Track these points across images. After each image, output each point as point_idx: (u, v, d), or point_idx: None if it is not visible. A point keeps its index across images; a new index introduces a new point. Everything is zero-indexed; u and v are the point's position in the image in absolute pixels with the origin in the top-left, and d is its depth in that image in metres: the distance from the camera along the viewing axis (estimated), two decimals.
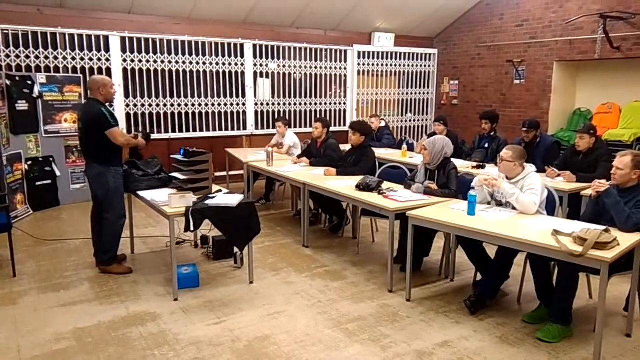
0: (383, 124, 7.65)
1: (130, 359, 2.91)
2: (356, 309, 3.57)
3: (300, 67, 8.47)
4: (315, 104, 8.75)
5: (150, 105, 7.30)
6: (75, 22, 6.62)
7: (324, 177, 4.90)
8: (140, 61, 7.12)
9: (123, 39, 6.97)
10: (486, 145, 6.07)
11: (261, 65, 8.08)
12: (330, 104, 8.94)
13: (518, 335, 3.22)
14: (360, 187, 4.26)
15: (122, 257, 4.41)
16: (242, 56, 7.88)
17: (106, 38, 6.86)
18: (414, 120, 9.86)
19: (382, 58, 9.21)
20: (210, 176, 4.02)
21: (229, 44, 7.74)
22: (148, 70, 7.21)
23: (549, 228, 3.07)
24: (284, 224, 5.74)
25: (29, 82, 6.06)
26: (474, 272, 4.00)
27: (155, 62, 7.22)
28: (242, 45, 7.85)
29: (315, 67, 8.62)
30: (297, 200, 6.04)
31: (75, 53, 6.67)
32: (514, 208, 3.57)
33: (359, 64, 8.98)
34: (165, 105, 7.40)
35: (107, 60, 6.90)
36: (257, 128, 8.22)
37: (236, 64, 7.85)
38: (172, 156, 4.20)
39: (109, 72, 6.82)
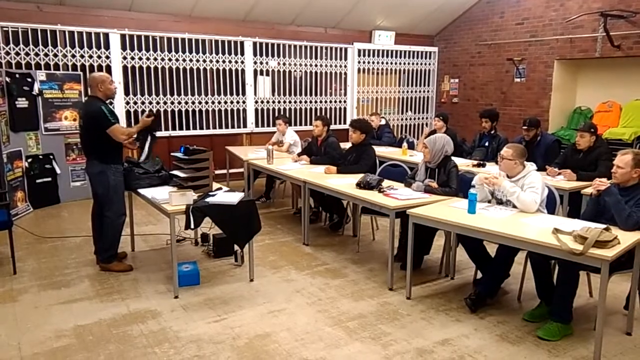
0: (383, 122, 7.65)
1: (131, 356, 2.91)
2: (356, 306, 3.58)
3: (301, 64, 8.46)
4: (316, 102, 8.75)
5: (150, 103, 7.29)
6: (75, 19, 6.61)
7: (325, 175, 4.90)
8: (140, 59, 7.11)
9: (123, 37, 6.95)
10: (486, 144, 6.07)
11: (261, 63, 8.07)
12: (331, 102, 8.93)
13: (518, 333, 3.22)
14: (360, 185, 4.26)
15: (122, 254, 4.41)
16: (243, 54, 7.87)
17: (106, 35, 6.85)
18: (415, 119, 9.85)
19: (383, 56, 9.20)
20: (210, 174, 4.01)
21: (229, 42, 7.73)
22: (148, 67, 7.20)
23: (550, 226, 3.07)
24: (284, 221, 5.74)
25: (29, 80, 6.06)
26: (474, 270, 4.00)
27: (155, 59, 7.21)
28: (242, 43, 7.84)
29: (316, 65, 8.61)
30: (297, 198, 6.04)
31: (75, 50, 6.66)
32: (514, 206, 3.58)
33: (359, 62, 8.97)
34: (165, 103, 7.39)
35: (107, 57, 6.89)
36: (257, 126, 8.22)
37: (236, 62, 7.84)
38: (172, 154, 4.20)
39: (109, 70, 6.81)
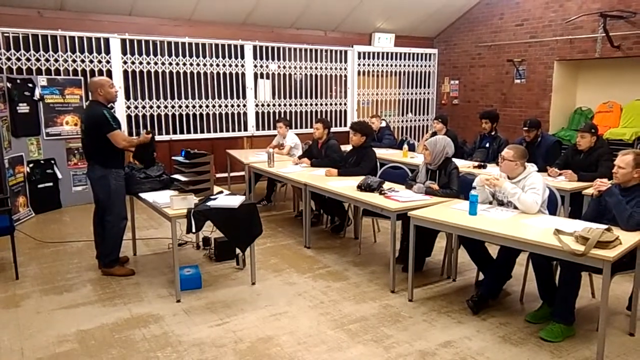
0: (384, 124, 7.66)
1: None
2: (358, 309, 3.58)
3: (301, 67, 8.47)
4: (316, 104, 8.76)
5: (151, 107, 7.30)
6: (75, 25, 6.63)
7: (325, 178, 4.90)
8: (140, 63, 7.13)
9: (123, 41, 6.97)
10: (487, 145, 6.07)
11: (261, 66, 8.08)
12: (331, 104, 8.94)
13: (521, 334, 3.22)
14: (361, 188, 4.26)
15: (124, 259, 4.41)
16: (243, 57, 7.88)
17: (106, 40, 6.87)
18: (415, 121, 9.86)
19: (383, 58, 9.21)
20: (211, 177, 4.02)
21: (229, 45, 7.75)
22: (149, 72, 7.22)
23: (551, 227, 3.07)
24: (285, 224, 5.74)
25: (30, 85, 6.07)
26: (476, 272, 3.99)
27: (155, 64, 7.23)
28: (242, 47, 7.85)
29: (316, 68, 8.62)
30: (298, 201, 6.05)
31: (75, 55, 6.68)
32: (515, 208, 3.57)
33: (359, 65, 8.98)
34: (166, 107, 7.41)
35: (108, 62, 6.91)
36: (257, 129, 8.23)
37: (236, 65, 7.85)
38: (173, 158, 4.20)
39: (109, 74, 6.82)
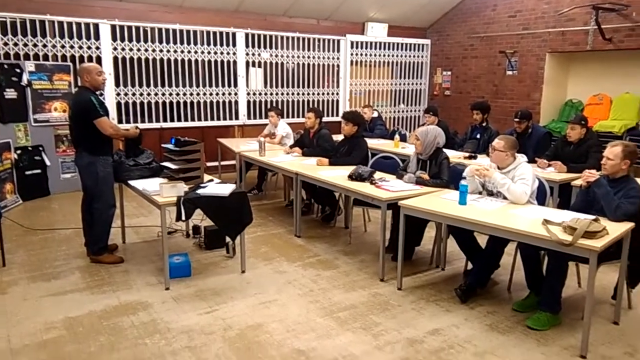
0: (376, 114, 7.65)
1: (122, 347, 2.91)
2: (348, 297, 3.59)
3: (293, 56, 8.42)
4: (308, 94, 8.72)
5: (141, 94, 7.23)
6: (64, 10, 6.52)
7: (317, 167, 4.89)
8: (131, 50, 7.04)
9: (114, 27, 6.88)
10: (478, 136, 6.09)
11: (253, 54, 8.02)
12: (323, 94, 8.91)
13: (508, 323, 3.25)
14: (352, 177, 4.26)
15: (113, 246, 4.39)
16: (234, 45, 7.81)
17: (96, 26, 6.77)
18: (407, 111, 9.86)
19: (375, 48, 9.18)
20: (201, 165, 4.00)
21: (221, 33, 7.68)
22: (139, 59, 7.13)
23: (540, 217, 3.09)
24: (276, 214, 5.74)
25: (18, 70, 5.98)
26: (464, 262, 4.02)
27: (146, 50, 7.15)
28: (234, 34, 7.78)
29: (308, 57, 8.57)
30: (289, 190, 6.04)
31: (64, 41, 6.58)
32: (505, 198, 3.60)
33: (352, 54, 8.94)
34: (156, 94, 7.34)
35: (98, 48, 6.81)
36: (249, 118, 8.18)
37: (228, 53, 7.78)
38: (163, 145, 4.17)
39: (99, 61, 6.74)
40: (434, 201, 3.63)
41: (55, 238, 4.76)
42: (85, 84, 3.96)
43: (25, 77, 6.01)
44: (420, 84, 9.85)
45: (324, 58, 8.74)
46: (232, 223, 3.79)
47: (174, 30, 7.30)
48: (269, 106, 7.90)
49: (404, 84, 9.70)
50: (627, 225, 3.02)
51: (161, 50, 7.25)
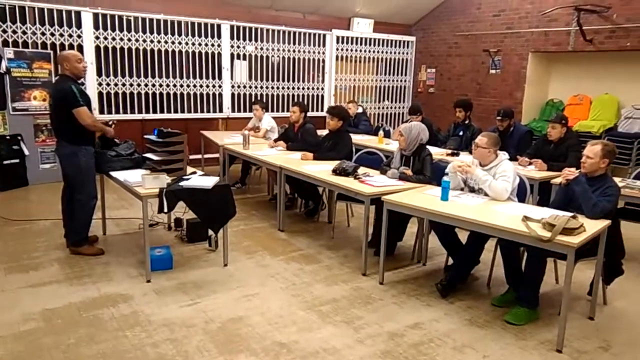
0: (360, 110, 7.67)
1: (102, 339, 2.88)
2: (330, 291, 3.61)
3: (278, 50, 8.38)
4: (293, 88, 8.69)
5: (123, 84, 7.12)
6: None
7: (301, 162, 4.89)
8: (113, 39, 6.93)
9: (96, 15, 6.76)
10: (460, 133, 6.14)
11: (238, 47, 7.96)
12: (308, 88, 8.89)
13: (487, 317, 3.30)
14: (336, 172, 4.27)
15: (93, 238, 4.33)
16: (219, 37, 7.74)
17: (78, 14, 6.64)
18: (391, 108, 9.90)
19: (361, 44, 9.19)
20: (184, 157, 3.96)
21: (206, 24, 7.60)
22: (122, 48, 7.02)
23: (520, 214, 3.14)
24: (259, 207, 5.72)
25: None
26: (445, 257, 4.07)
27: (129, 40, 7.04)
28: (219, 26, 7.71)
29: (294, 51, 8.54)
30: (273, 184, 6.02)
31: (45, 28, 6.44)
32: (486, 194, 3.64)
33: (337, 49, 8.94)
34: (139, 85, 7.24)
35: (79, 37, 6.69)
36: (233, 111, 8.12)
37: (212, 45, 7.71)
38: (145, 136, 4.12)
39: (80, 49, 6.60)
40: (416, 197, 3.66)
41: (33, 229, 4.68)
42: (66, 72, 3.89)
43: (3, 65, 5.87)
44: (405, 81, 9.90)
45: (309, 52, 8.72)
46: (215, 216, 3.77)
47: (158, 20, 7.20)
48: (253, 99, 7.86)
49: (389, 80, 9.73)
50: (604, 223, 3.09)
51: (144, 40, 7.15)
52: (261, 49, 8.20)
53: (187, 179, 3.77)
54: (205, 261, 4.09)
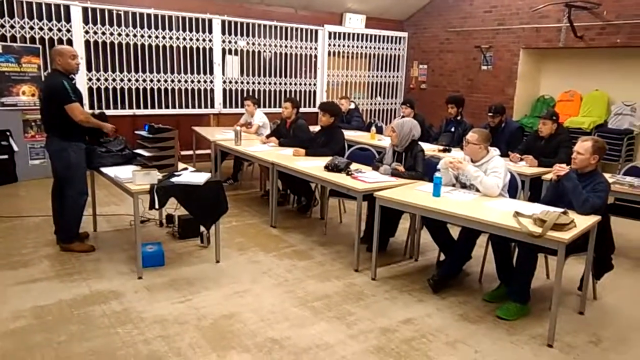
0: (352, 106, 7.66)
1: (93, 336, 2.86)
2: (322, 287, 3.61)
3: (270, 45, 8.34)
4: (285, 83, 8.67)
5: (114, 79, 7.06)
6: None
7: (293, 158, 4.88)
8: (103, 33, 6.86)
9: (85, 10, 6.68)
10: (452, 129, 6.17)
11: (230, 42, 7.91)
12: (301, 84, 8.87)
13: (478, 313, 3.32)
14: (329, 168, 4.27)
15: (84, 234, 4.30)
16: (211, 32, 7.69)
17: (67, 7, 6.56)
18: (383, 104, 9.90)
19: (353, 39, 9.17)
20: (176, 153, 3.94)
21: (197, 19, 7.54)
22: (112, 43, 6.95)
23: (511, 210, 3.16)
24: (251, 204, 5.71)
25: None
26: (437, 253, 4.08)
27: (119, 35, 6.97)
28: (210, 21, 7.66)
29: (286, 47, 8.51)
30: (265, 180, 6.01)
31: (33, 22, 6.36)
32: (477, 190, 3.66)
33: (329, 45, 8.91)
34: (129, 80, 7.18)
35: (69, 31, 6.61)
36: (225, 106, 8.09)
37: (204, 40, 7.66)
38: (136, 132, 4.09)
39: (70, 44, 6.52)
40: (408, 193, 3.67)
41: (23, 226, 4.64)
42: (58, 67, 3.84)
43: None
44: (397, 76, 9.90)
45: (301, 48, 8.69)
46: (206, 212, 3.75)
47: (149, 15, 7.13)
48: (245, 95, 7.81)
49: (381, 76, 9.73)
50: (594, 219, 3.12)
51: (135, 35, 7.08)
52: (253, 44, 8.16)
53: (179, 175, 3.75)
54: (197, 258, 4.07)
